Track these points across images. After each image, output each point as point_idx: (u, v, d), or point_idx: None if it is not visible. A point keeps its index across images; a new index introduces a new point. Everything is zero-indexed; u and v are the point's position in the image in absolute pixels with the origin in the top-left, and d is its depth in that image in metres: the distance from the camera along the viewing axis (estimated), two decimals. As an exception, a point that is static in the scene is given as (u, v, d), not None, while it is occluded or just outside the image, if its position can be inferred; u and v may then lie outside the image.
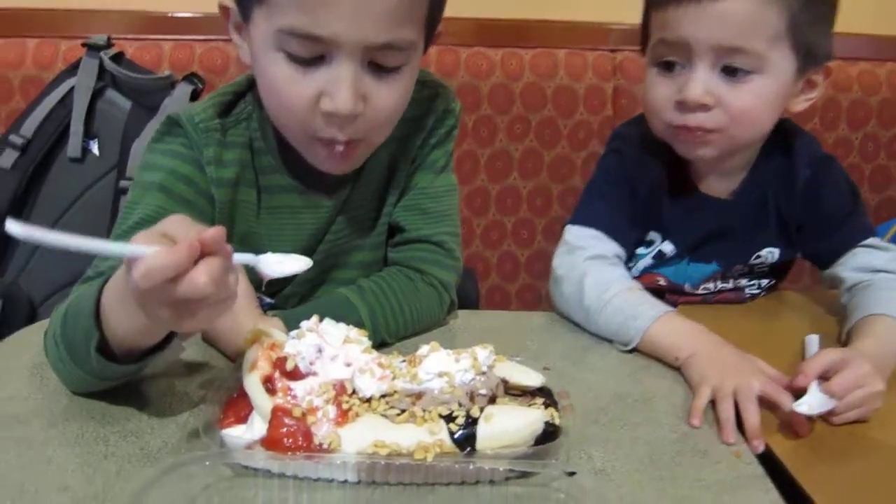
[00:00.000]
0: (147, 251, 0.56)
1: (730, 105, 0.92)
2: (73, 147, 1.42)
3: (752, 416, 0.76)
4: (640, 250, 1.08)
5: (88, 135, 1.44)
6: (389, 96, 0.80)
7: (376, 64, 0.78)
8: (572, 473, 0.62)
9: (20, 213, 1.44)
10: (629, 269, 1.06)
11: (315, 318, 0.69)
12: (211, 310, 0.59)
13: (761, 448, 0.74)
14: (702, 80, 0.91)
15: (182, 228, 0.58)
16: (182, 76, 1.51)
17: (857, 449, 0.77)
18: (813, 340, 0.93)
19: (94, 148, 1.45)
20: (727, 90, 0.92)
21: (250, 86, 0.88)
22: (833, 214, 1.03)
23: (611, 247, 0.99)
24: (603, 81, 1.80)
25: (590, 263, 0.96)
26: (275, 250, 0.88)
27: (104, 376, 0.70)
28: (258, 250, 0.68)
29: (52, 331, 0.74)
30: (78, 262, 1.43)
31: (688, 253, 1.07)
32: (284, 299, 0.92)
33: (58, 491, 0.63)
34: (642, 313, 0.89)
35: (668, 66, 0.95)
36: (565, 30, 1.81)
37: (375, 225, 0.95)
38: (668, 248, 1.07)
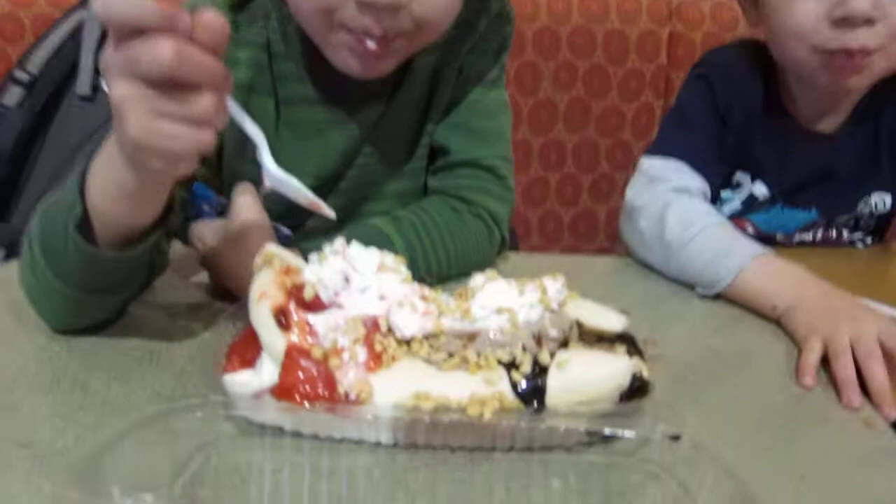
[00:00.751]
0: None
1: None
2: (82, 84, 1.29)
3: (878, 374, 0.61)
4: (726, 194, 0.93)
5: (99, 71, 1.32)
6: (431, 3, 0.65)
7: None
8: (676, 437, 0.47)
9: (27, 154, 1.33)
10: None
11: (341, 239, 0.55)
12: (174, 126, 0.47)
13: (895, 415, 0.59)
14: None
15: None
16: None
17: None
18: None
19: (105, 86, 1.33)
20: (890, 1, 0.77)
21: None
22: None
23: (696, 182, 0.85)
24: (658, 26, 1.64)
25: (674, 196, 0.82)
26: (297, 175, 0.75)
27: (85, 278, 0.58)
28: None
29: (27, 233, 0.61)
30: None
31: (782, 197, 0.92)
32: (305, 234, 0.79)
33: (17, 447, 0.50)
34: (736, 250, 0.75)
35: None
36: (618, -32, 1.66)
37: (415, 147, 0.80)
38: (760, 190, 0.92)
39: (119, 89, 0.47)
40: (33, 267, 0.59)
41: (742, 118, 0.89)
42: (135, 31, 0.45)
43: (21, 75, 1.32)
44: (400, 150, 0.80)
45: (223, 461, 0.49)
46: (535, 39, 1.62)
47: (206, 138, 0.48)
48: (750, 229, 0.93)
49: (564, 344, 0.52)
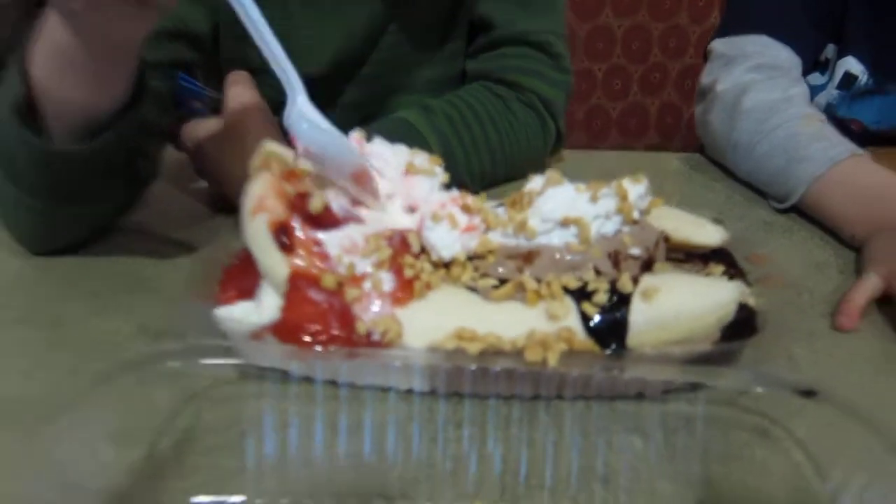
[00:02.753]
0: None
1: None
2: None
3: None
4: (815, 78, 0.77)
5: None
6: None
7: None
8: (811, 393, 0.36)
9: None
10: None
11: (358, 132, 0.43)
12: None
13: None
14: None
15: None
16: None
17: None
18: None
19: None
20: None
21: None
22: None
23: (784, 54, 0.70)
24: None
25: (754, 78, 0.68)
26: (313, 60, 0.63)
27: (40, 181, 0.49)
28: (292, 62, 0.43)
29: None
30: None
31: (886, 77, 0.76)
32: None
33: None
34: (813, 155, 0.61)
35: None
36: None
37: (451, 24, 0.67)
38: (855, 67, 0.76)
39: None
40: None
41: None
42: None
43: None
44: (433, 28, 0.67)
45: (217, 414, 0.39)
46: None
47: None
48: (855, 128, 0.78)
49: (648, 265, 0.40)
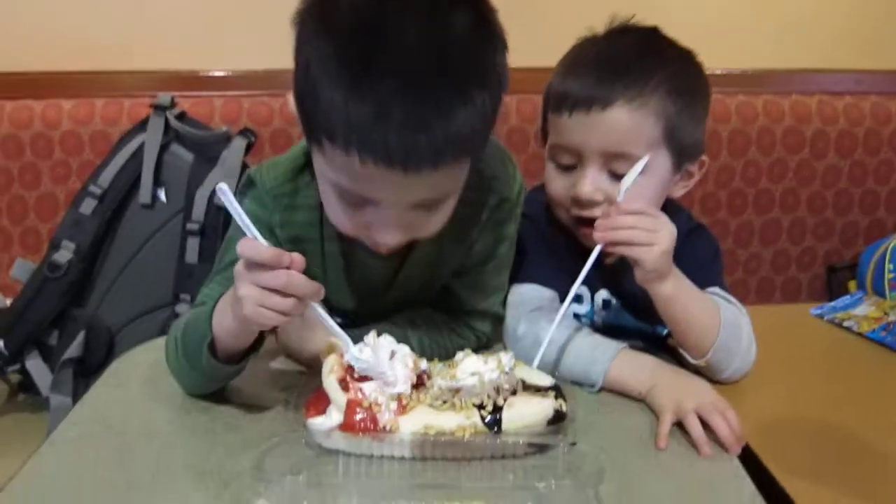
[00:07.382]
0: (262, 241, 0.78)
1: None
2: (144, 195, 1.63)
3: (721, 427, 0.87)
4: (579, 308, 1.15)
5: (157, 184, 1.64)
6: (433, 223, 0.89)
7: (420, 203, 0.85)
8: (574, 444, 0.81)
9: (98, 252, 1.63)
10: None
11: (373, 333, 0.87)
12: (270, 313, 0.79)
13: (737, 451, 0.87)
14: (591, 180, 1.01)
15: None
16: (237, 131, 1.70)
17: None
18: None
19: (162, 195, 1.65)
20: (613, 188, 1.00)
21: None
22: (694, 281, 1.02)
23: (548, 293, 1.09)
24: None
25: (533, 315, 1.05)
26: (347, 297, 1.08)
27: (212, 375, 0.91)
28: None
29: (174, 337, 0.94)
30: (151, 295, 1.65)
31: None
32: (352, 322, 1.05)
33: (183, 468, 0.83)
34: (597, 357, 0.98)
35: (564, 167, 1.05)
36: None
37: (428, 293, 1.09)
38: (605, 294, 1.15)
39: (244, 289, 0.78)
40: (177, 359, 0.93)
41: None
42: (258, 263, 0.77)
43: (94, 189, 1.63)
44: (421, 287, 1.07)
45: (311, 471, 0.80)
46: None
47: (286, 320, 0.80)
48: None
49: (514, 392, 0.86)
